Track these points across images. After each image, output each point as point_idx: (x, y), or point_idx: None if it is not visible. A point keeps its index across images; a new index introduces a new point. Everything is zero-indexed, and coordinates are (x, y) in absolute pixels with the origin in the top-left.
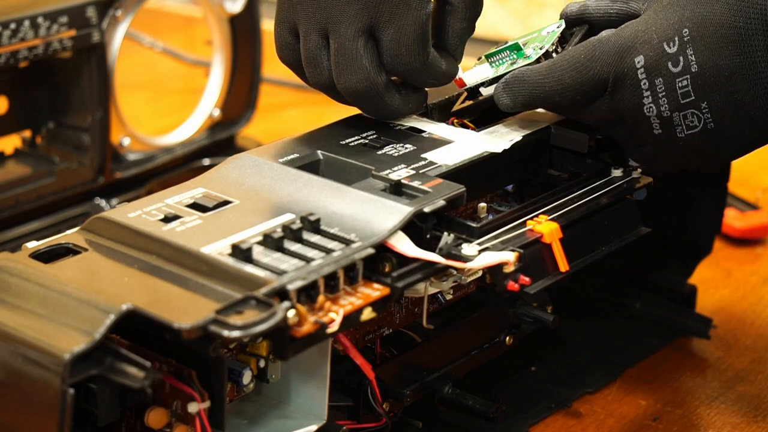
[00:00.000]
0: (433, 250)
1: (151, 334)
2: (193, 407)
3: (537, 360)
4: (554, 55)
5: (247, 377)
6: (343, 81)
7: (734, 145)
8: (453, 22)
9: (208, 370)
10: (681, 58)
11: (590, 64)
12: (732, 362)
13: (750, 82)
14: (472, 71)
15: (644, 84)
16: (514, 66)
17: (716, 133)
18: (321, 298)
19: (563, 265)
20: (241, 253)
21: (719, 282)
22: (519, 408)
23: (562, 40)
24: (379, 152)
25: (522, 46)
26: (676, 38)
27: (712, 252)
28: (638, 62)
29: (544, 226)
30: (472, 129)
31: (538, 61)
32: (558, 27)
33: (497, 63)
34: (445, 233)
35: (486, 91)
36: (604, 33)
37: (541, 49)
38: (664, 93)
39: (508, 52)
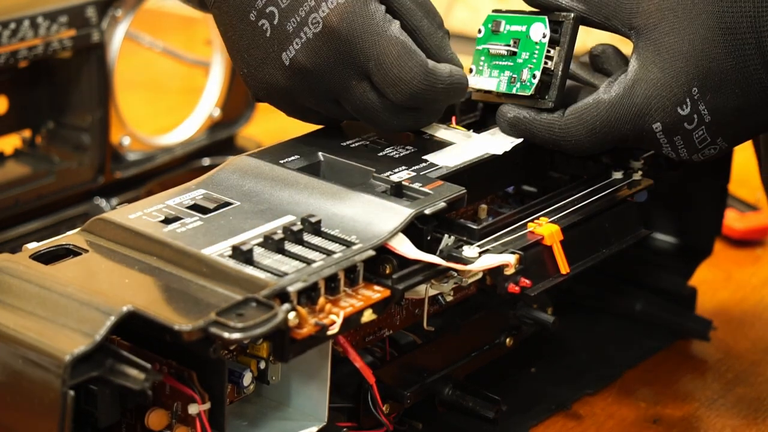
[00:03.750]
0: (433, 252)
1: (151, 336)
2: (193, 409)
3: (537, 361)
4: (549, 63)
5: (247, 379)
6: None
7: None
8: (414, 22)
9: (209, 371)
10: (695, 116)
11: (607, 130)
12: (732, 364)
13: (761, 107)
14: (476, 79)
15: (663, 141)
16: (514, 90)
17: (732, 148)
18: (321, 299)
19: (564, 267)
20: (242, 254)
21: (719, 283)
22: (519, 409)
23: (552, 40)
24: (380, 154)
25: (515, 53)
26: (688, 100)
27: (712, 253)
28: (656, 128)
29: (545, 228)
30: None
31: (536, 88)
32: (544, 37)
33: (496, 71)
34: (446, 235)
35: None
36: (613, 91)
37: (534, 78)
38: (682, 145)
39: (506, 61)
